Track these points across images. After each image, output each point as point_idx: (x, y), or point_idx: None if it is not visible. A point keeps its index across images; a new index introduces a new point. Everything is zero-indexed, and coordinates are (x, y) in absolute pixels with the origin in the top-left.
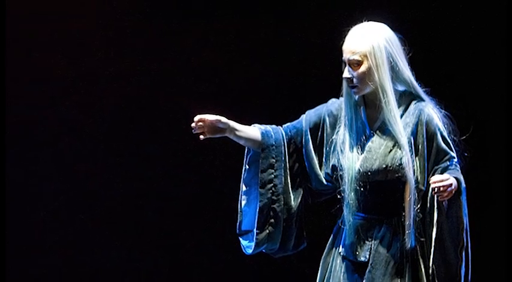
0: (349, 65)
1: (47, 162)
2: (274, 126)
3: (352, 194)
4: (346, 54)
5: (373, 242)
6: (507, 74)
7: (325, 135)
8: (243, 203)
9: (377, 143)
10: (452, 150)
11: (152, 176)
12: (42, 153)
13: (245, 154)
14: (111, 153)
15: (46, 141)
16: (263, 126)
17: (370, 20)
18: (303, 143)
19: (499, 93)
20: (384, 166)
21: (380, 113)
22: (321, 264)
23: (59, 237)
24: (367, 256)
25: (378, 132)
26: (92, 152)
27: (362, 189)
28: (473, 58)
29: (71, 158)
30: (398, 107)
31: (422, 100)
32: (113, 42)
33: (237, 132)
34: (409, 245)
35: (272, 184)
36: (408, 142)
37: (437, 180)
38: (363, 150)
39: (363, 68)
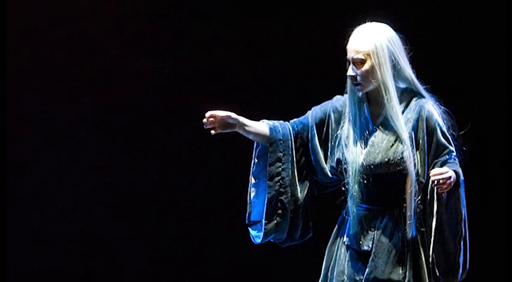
0: (353, 64)
1: (66, 156)
2: (281, 121)
3: (356, 186)
4: (350, 53)
5: (375, 232)
6: (505, 71)
7: (330, 130)
8: (252, 194)
9: (379, 137)
10: (451, 145)
11: (166, 169)
12: (60, 148)
13: (254, 148)
14: (127, 147)
15: (65, 136)
16: (271, 122)
17: (373, 21)
18: (309, 138)
19: (496, 90)
20: (386, 160)
21: (382, 109)
22: (326, 253)
23: (77, 228)
24: (370, 245)
25: (380, 127)
26: (108, 147)
27: (365, 181)
28: (472, 57)
29: (89, 152)
30: (400, 104)
31: (423, 97)
32: (128, 42)
33: (246, 128)
34: (410, 235)
35: (280, 177)
36: (409, 137)
37: (437, 173)
38: (366, 144)
39: (366, 66)
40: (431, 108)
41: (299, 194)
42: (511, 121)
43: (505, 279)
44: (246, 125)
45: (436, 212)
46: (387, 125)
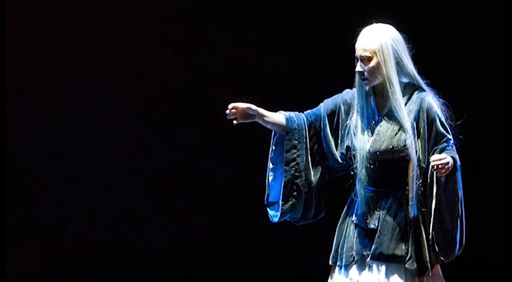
0: (361, 61)
1: (105, 142)
2: (296, 112)
3: (364, 170)
4: (358, 51)
5: (381, 211)
6: (497, 68)
7: (340, 120)
8: (270, 178)
9: (385, 127)
10: (449, 133)
11: (194, 155)
12: (100, 135)
13: (272, 137)
14: (159, 136)
15: (104, 125)
16: (287, 113)
17: (379, 22)
18: (321, 127)
19: (489, 84)
20: (391, 147)
21: (387, 101)
22: (336, 230)
23: (113, 206)
24: (376, 224)
25: (385, 118)
26: (141, 135)
27: (372, 166)
28: (468, 55)
29: (125, 139)
30: (403, 97)
31: (424, 90)
32: (160, 41)
33: (265, 118)
34: (412, 214)
35: (295, 162)
36: (411, 126)
37: (436, 158)
38: (372, 133)
39: (372, 63)
40: (431, 100)
41: (312, 178)
42: (504, 113)
43: (504, 255)
44: (264, 116)
45: (436, 193)
46: (391, 116)
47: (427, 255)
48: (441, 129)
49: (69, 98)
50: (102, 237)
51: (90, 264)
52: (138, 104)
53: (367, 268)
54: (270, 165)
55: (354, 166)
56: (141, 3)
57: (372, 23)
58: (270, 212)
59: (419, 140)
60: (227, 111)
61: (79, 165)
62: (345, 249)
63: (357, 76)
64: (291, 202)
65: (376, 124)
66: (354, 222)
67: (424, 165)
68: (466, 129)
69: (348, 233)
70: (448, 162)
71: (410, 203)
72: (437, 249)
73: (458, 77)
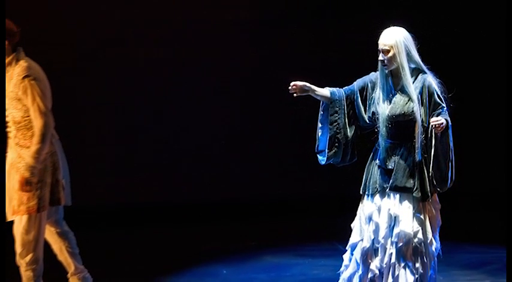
0: (382, 52)
1: (193, 111)
2: (338, 88)
3: (384, 128)
4: (380, 46)
5: (396, 157)
6: (477, 58)
7: (368, 93)
8: (319, 134)
9: (398, 98)
10: (443, 103)
11: (265, 117)
12: (191, 106)
13: (320, 105)
14: (241, 106)
15: (194, 97)
16: (331, 88)
17: (395, 25)
18: (355, 98)
19: (473, 70)
20: (403, 112)
21: (400, 80)
22: (365, 170)
23: (204, 162)
24: (393, 165)
25: (399, 92)
26: (226, 106)
27: (390, 125)
28: (458, 51)
29: (212, 109)
30: (411, 77)
31: (426, 73)
32: (242, 39)
33: (316, 92)
34: (417, 159)
35: (336, 123)
36: (417, 98)
37: (435, 120)
38: (390, 102)
39: (390, 54)
40: (431, 80)
41: (349, 133)
42: (484, 90)
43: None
44: (315, 91)
45: (434, 144)
46: (403, 91)
47: (428, 187)
48: (438, 100)
49: (180, 81)
50: (200, 170)
51: (185, 193)
52: (226, 82)
53: (386, 196)
54: (319, 125)
55: (377, 125)
56: (228, 11)
57: (389, 26)
58: (319, 157)
59: (422, 107)
60: (289, 87)
61: (180, 126)
62: (371, 182)
63: (379, 63)
64: (333, 150)
65: (393, 96)
66: (377, 164)
67: (425, 125)
68: (454, 100)
69: (373, 172)
70: (442, 123)
71: (416, 151)
72: (435, 183)
73: (450, 64)
